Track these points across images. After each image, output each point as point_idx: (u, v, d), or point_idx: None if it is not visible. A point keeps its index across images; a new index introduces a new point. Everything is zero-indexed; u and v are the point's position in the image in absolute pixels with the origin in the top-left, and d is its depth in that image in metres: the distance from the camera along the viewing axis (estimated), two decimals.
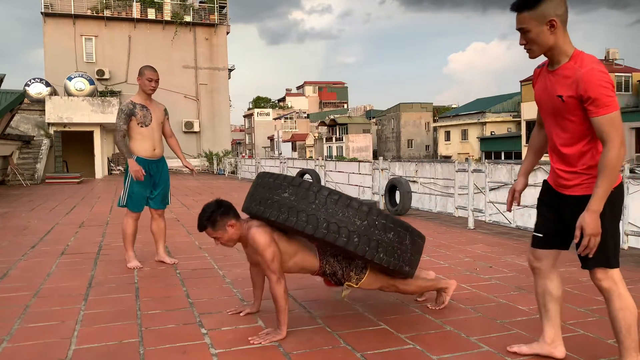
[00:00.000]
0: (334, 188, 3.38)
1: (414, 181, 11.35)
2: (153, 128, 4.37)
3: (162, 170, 4.51)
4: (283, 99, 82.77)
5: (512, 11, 2.08)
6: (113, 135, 4.10)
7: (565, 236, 2.27)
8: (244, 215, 2.80)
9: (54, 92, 23.78)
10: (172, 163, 30.79)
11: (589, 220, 1.97)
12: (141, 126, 4.31)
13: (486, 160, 7.98)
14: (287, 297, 2.65)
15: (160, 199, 4.51)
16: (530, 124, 35.98)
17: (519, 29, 2.08)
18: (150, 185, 4.42)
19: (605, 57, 35.74)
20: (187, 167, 4.76)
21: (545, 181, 2.32)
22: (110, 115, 22.00)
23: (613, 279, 2.12)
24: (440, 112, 56.95)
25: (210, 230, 2.66)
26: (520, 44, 2.11)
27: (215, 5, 30.88)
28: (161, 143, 4.50)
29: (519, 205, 2.55)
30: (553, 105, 2.12)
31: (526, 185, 2.50)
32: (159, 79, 4.38)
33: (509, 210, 2.59)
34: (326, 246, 2.75)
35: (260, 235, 2.61)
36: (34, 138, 21.02)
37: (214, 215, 2.63)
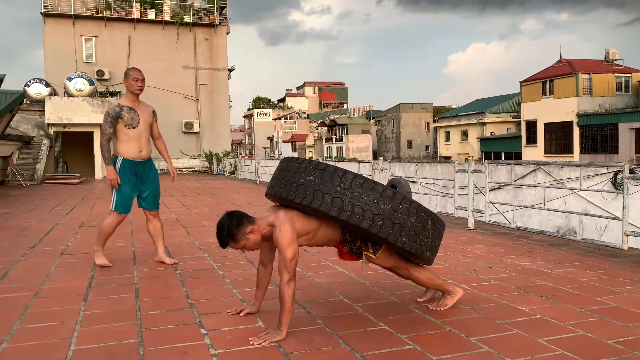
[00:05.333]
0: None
1: (414, 181, 11.35)
2: (141, 130, 4.38)
3: (149, 172, 4.51)
4: (283, 100, 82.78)
5: None
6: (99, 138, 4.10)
7: None
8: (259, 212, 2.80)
9: (53, 93, 23.78)
10: (172, 163, 30.79)
11: None
12: (128, 128, 4.32)
13: (486, 160, 7.98)
14: (294, 299, 2.65)
15: (152, 199, 4.54)
16: (530, 124, 36.00)
17: None
18: (138, 187, 4.44)
19: (605, 57, 35.73)
20: (171, 171, 4.79)
21: None
22: None
23: None
24: (440, 113, 56.94)
25: (233, 244, 2.67)
26: None
27: (215, 6, 30.89)
28: (149, 145, 4.49)
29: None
30: None
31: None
32: (144, 79, 4.41)
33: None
34: (350, 229, 2.77)
35: (285, 233, 2.62)
36: (34, 138, 21.02)
37: (230, 230, 2.64)
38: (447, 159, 41.52)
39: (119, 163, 4.34)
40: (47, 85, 23.92)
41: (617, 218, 5.29)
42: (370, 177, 2.76)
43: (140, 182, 4.44)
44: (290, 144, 63.11)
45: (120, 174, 4.33)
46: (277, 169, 2.90)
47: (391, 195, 2.65)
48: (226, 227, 2.65)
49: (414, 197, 8.79)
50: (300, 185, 2.64)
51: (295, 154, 59.77)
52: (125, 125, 4.30)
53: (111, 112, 4.29)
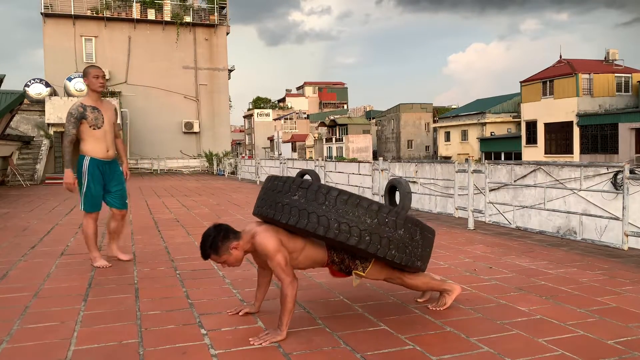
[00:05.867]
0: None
1: (414, 182, 11.36)
2: (106, 130, 4.34)
3: (115, 171, 4.49)
4: (283, 100, 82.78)
5: None
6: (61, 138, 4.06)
7: None
8: (246, 227, 2.81)
9: (53, 93, 23.80)
10: (172, 164, 30.81)
11: None
12: (93, 128, 4.27)
13: (486, 160, 7.98)
14: (296, 300, 2.66)
15: (119, 198, 4.50)
16: (530, 125, 35.99)
17: None
18: (105, 186, 4.41)
19: (605, 57, 35.73)
20: (124, 171, 4.67)
21: None
22: None
23: None
24: (440, 113, 56.92)
25: (215, 257, 2.66)
26: None
27: (215, 6, 30.90)
28: (114, 144, 4.47)
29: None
30: None
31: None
32: (104, 74, 4.39)
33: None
34: (338, 245, 2.76)
35: (268, 240, 2.63)
36: (34, 138, 21.02)
37: (214, 242, 2.63)
38: (447, 159, 41.53)
39: (86, 162, 4.29)
40: (47, 85, 23.93)
41: (617, 218, 5.29)
42: (355, 192, 2.72)
43: (106, 181, 4.41)
44: (290, 144, 63.10)
45: (88, 173, 4.29)
46: (262, 188, 2.91)
47: (377, 210, 2.63)
48: (211, 238, 2.64)
49: (414, 197, 8.80)
50: (286, 205, 2.63)
51: (296, 155, 59.77)
52: (90, 126, 4.25)
53: (74, 112, 4.21)
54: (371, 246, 2.60)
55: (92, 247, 4.44)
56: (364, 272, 2.84)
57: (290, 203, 2.62)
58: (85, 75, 4.31)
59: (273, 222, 2.72)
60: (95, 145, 4.29)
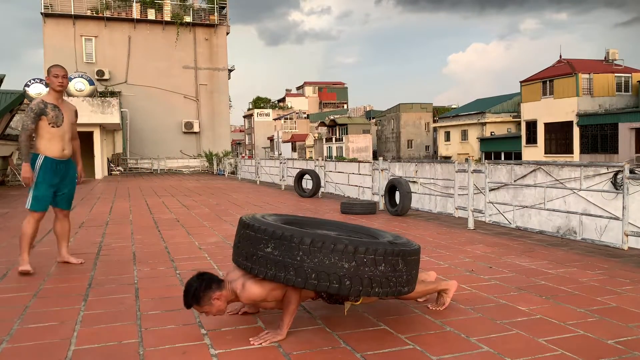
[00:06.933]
0: (320, 221, 3.31)
1: (414, 181, 11.35)
2: (64, 129, 4.30)
3: (69, 171, 4.43)
4: (283, 100, 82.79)
5: None
6: (19, 134, 3.94)
7: None
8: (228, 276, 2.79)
9: None
10: (172, 163, 30.77)
11: None
12: (52, 126, 4.22)
13: (486, 160, 7.98)
14: (299, 302, 2.66)
15: (66, 199, 4.46)
16: (530, 124, 35.99)
17: None
18: (56, 186, 4.34)
19: (605, 57, 35.74)
20: (78, 173, 4.58)
21: None
22: (110, 115, 22.00)
23: None
24: (440, 113, 56.93)
25: (197, 307, 2.65)
26: None
27: (215, 6, 30.90)
28: (71, 144, 4.42)
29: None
30: None
31: None
32: (65, 75, 4.31)
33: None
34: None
35: (252, 291, 2.63)
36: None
37: (197, 293, 2.61)
38: (447, 159, 41.52)
39: (40, 161, 4.20)
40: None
41: (617, 218, 5.29)
42: (328, 235, 2.67)
43: (59, 181, 4.33)
44: (290, 144, 63.12)
45: (41, 172, 4.21)
46: (236, 233, 2.86)
47: (353, 251, 2.53)
48: (193, 289, 2.62)
49: (414, 197, 8.82)
50: (261, 257, 2.60)
51: (295, 154, 59.78)
52: (50, 124, 4.21)
53: (35, 107, 4.17)
54: (353, 289, 2.54)
55: (24, 248, 4.27)
56: (356, 302, 2.84)
57: (265, 256, 2.58)
58: (47, 73, 4.30)
59: (251, 274, 2.68)
60: (52, 144, 4.24)
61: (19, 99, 16.38)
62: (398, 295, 2.78)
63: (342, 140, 57.20)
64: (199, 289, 2.61)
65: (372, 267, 2.57)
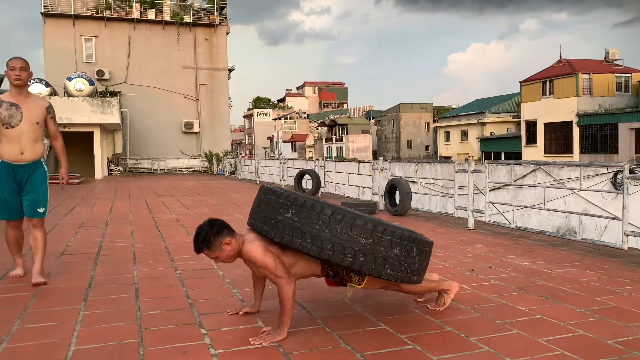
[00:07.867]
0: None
1: (414, 181, 11.36)
2: (22, 129, 3.80)
3: (31, 176, 3.93)
4: (283, 100, 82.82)
5: None
6: None
7: None
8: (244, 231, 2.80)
9: (53, 93, 23.76)
10: (172, 163, 30.78)
11: None
12: (6, 127, 3.76)
13: (486, 160, 7.97)
14: (294, 300, 2.66)
15: (29, 205, 3.93)
16: (530, 124, 36.00)
17: None
18: (17, 192, 3.90)
19: (605, 57, 35.74)
20: (60, 175, 4.23)
21: None
22: (110, 115, 22.00)
23: None
24: (440, 113, 56.94)
25: (207, 251, 2.65)
26: None
27: (215, 6, 30.90)
28: (34, 146, 3.93)
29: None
30: None
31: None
32: (23, 67, 3.81)
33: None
34: (332, 264, 2.73)
35: (254, 249, 2.64)
36: None
37: (207, 236, 2.62)
38: (447, 159, 41.53)
39: None
40: (47, 85, 23.90)
41: (617, 218, 5.29)
42: (350, 210, 2.68)
43: (19, 187, 3.91)
44: (290, 144, 63.11)
45: None
46: (256, 198, 2.87)
47: (372, 229, 2.57)
48: (204, 232, 2.63)
49: (414, 197, 8.82)
50: (279, 222, 2.60)
51: (295, 154, 59.78)
52: (3, 124, 3.76)
53: None
54: (366, 266, 2.56)
55: (14, 254, 4.15)
56: (359, 285, 2.83)
57: (284, 220, 2.59)
58: (6, 67, 3.83)
59: (266, 238, 2.69)
60: (7, 147, 3.80)
61: None
62: (407, 283, 2.78)
63: (342, 140, 57.20)
64: (210, 232, 2.62)
65: (388, 247, 2.61)
